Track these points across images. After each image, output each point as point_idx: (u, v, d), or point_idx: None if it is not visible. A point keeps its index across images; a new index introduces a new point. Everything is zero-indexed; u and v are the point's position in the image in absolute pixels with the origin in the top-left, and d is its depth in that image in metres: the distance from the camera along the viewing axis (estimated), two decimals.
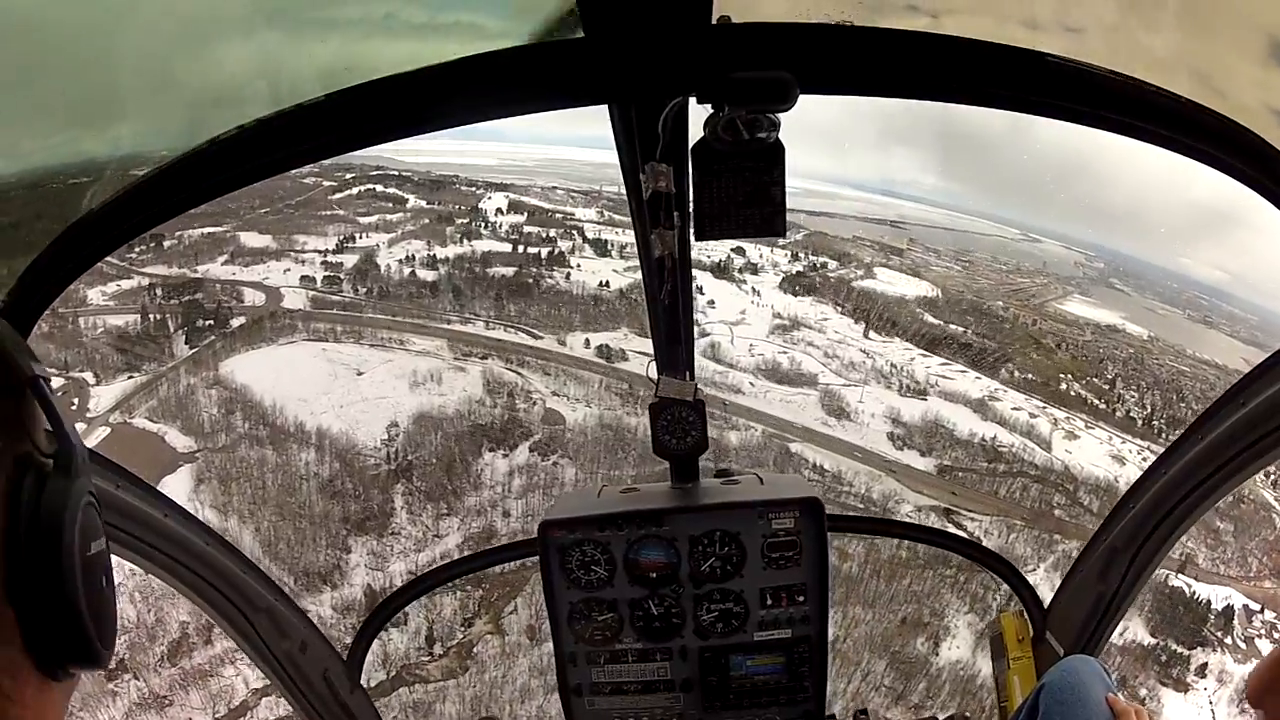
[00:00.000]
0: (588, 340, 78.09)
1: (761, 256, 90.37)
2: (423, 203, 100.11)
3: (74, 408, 57.64)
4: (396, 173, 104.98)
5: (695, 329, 2.66)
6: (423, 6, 1.68)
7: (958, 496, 59.88)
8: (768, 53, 1.51)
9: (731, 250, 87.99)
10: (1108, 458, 60.85)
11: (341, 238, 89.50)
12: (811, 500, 2.81)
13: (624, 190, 1.97)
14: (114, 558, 1.89)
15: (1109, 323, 79.98)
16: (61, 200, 1.66)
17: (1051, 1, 1.60)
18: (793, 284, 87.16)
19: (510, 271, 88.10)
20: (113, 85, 1.59)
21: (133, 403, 59.81)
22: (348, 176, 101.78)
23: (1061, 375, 73.09)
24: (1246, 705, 1.04)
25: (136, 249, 75.14)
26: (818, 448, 64.62)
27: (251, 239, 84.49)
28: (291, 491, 54.39)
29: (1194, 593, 49.63)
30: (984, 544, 3.73)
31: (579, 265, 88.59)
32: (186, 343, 67.11)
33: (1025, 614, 3.30)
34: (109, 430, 55.43)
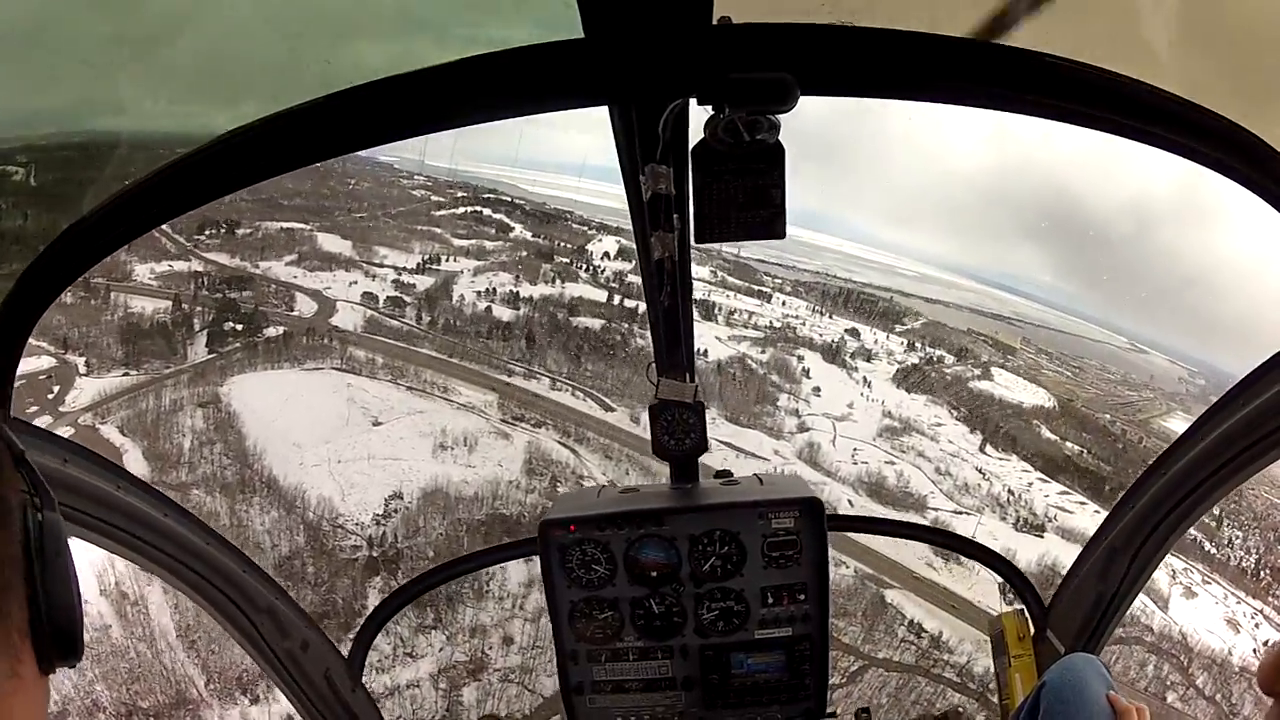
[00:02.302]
0: None
1: (877, 342, 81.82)
2: (528, 234, 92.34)
3: (50, 397, 50.36)
4: (509, 199, 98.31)
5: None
6: (422, 7, 1.73)
7: None
8: (768, 53, 1.52)
9: (846, 332, 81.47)
10: (1223, 622, 51.92)
11: (426, 257, 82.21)
12: (811, 500, 2.84)
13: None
14: (117, 558, 2.14)
15: None
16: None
17: (1051, 1, 1.58)
18: (907, 377, 78.74)
19: (598, 325, 77.35)
20: (248, 65, 1.67)
21: (111, 406, 51.86)
22: (459, 195, 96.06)
23: None
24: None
25: (207, 232, 70.06)
26: (918, 599, 53.03)
27: (329, 242, 78.00)
28: None
29: None
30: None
31: None
32: (207, 345, 59.40)
33: (1026, 612, 3.31)
34: (72, 432, 47.16)
